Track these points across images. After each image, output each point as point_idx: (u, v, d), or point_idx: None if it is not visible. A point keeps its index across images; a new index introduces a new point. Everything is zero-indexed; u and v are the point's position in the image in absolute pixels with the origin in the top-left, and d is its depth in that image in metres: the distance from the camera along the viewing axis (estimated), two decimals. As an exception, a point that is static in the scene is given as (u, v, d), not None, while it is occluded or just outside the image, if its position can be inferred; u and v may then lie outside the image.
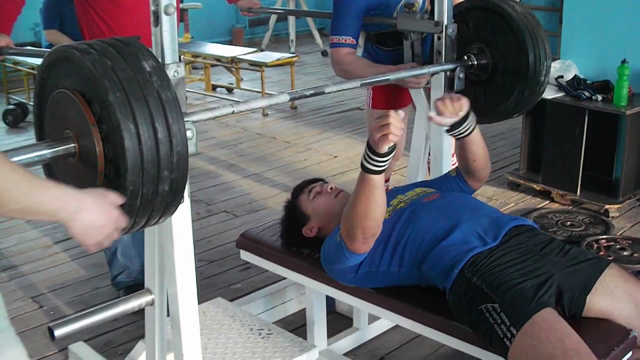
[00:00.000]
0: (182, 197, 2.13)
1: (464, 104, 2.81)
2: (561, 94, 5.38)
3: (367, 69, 3.63)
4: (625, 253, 4.47)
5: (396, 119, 2.41)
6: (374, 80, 3.18)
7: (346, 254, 2.73)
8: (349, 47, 3.69)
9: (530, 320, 2.36)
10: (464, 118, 2.82)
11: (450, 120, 2.82)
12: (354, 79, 3.58)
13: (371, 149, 2.46)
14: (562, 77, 5.47)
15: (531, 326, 2.35)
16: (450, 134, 2.88)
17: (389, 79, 3.17)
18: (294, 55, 9.25)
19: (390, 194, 2.93)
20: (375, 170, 2.48)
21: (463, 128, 2.84)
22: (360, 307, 3.34)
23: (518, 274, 2.52)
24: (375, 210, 2.56)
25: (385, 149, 2.45)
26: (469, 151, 2.94)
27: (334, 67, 3.78)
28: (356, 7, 3.70)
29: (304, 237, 3.15)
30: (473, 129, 2.88)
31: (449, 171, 3.19)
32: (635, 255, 4.46)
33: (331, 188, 3.14)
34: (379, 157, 2.46)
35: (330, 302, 3.55)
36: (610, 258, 4.29)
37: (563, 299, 2.52)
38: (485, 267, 2.57)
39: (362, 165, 2.51)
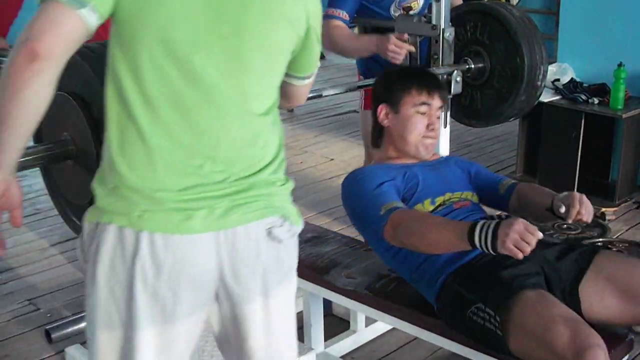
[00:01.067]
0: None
1: (589, 220, 2.59)
2: (558, 97, 5.39)
3: (351, 40, 3.60)
4: (621, 256, 4.46)
5: (535, 242, 2.27)
6: (370, 82, 3.19)
7: (375, 231, 2.66)
8: (340, 20, 3.63)
9: (515, 299, 2.36)
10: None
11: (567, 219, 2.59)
12: (339, 51, 3.56)
13: (494, 242, 2.29)
14: (558, 80, 5.48)
15: (517, 305, 2.35)
16: (549, 210, 2.68)
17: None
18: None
19: (443, 182, 2.87)
20: (476, 247, 2.36)
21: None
22: (357, 310, 3.34)
23: (497, 266, 2.52)
24: (438, 249, 2.53)
25: (502, 253, 2.31)
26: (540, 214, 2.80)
27: (323, 40, 3.75)
28: None
29: (376, 106, 2.97)
30: None
31: (500, 183, 2.99)
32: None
33: (433, 129, 2.90)
34: (493, 251, 2.31)
35: (326, 304, 3.55)
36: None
37: (554, 291, 2.50)
38: (466, 272, 2.57)
39: (472, 234, 2.34)
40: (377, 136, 3.00)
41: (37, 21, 1.62)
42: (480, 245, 2.32)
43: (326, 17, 3.66)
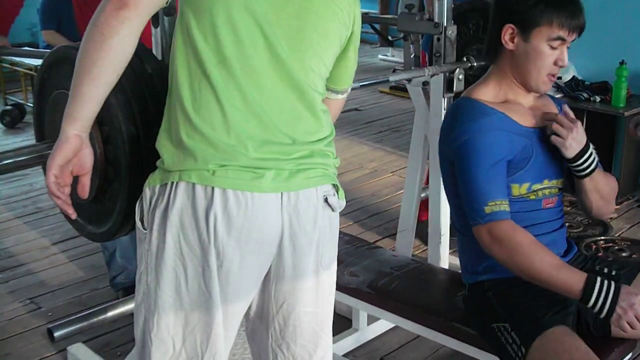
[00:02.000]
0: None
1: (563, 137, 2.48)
2: (559, 95, 5.37)
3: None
4: (624, 254, 4.47)
5: None
6: (374, 81, 3.19)
7: (467, 216, 2.44)
8: None
9: (540, 337, 2.29)
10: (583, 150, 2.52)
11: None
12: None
13: (609, 314, 2.24)
14: (560, 78, 5.47)
15: (540, 342, 2.29)
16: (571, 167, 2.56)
17: (388, 79, 3.18)
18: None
19: (549, 165, 2.57)
20: (586, 302, 2.28)
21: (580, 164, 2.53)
22: (359, 308, 3.34)
23: (532, 291, 2.43)
24: (535, 283, 2.35)
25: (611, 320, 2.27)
26: (585, 197, 2.61)
27: None
28: None
29: (501, 22, 2.52)
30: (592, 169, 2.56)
31: None
32: (634, 256, 4.46)
33: (561, 65, 2.51)
34: (604, 319, 2.30)
35: (329, 303, 3.55)
36: (609, 259, 4.30)
37: (584, 320, 2.46)
38: (505, 286, 2.49)
39: (588, 297, 2.25)
40: (494, 52, 2.59)
41: None
42: (594, 309, 2.26)
43: None
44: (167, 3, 1.83)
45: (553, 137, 2.48)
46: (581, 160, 2.51)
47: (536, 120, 2.57)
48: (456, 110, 2.60)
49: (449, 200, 2.70)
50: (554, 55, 2.48)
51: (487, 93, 2.58)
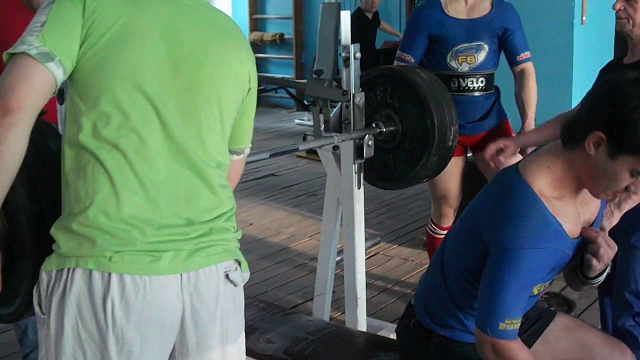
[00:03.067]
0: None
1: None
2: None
3: None
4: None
5: None
6: (283, 150, 3.21)
7: (475, 314, 2.37)
8: (405, 63, 4.11)
9: None
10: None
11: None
12: None
13: None
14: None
15: None
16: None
17: (297, 148, 3.20)
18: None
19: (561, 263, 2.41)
20: None
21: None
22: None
23: (470, 347, 2.45)
24: None
25: None
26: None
27: None
28: (421, 32, 4.09)
29: (591, 124, 2.24)
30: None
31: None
32: (552, 308, 4.52)
33: (626, 191, 2.38)
34: None
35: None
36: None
37: None
38: (450, 346, 2.52)
39: None
40: (572, 142, 2.31)
41: (7, 76, 1.72)
42: None
43: (395, 58, 4.13)
44: (54, 93, 1.79)
45: (594, 262, 2.38)
46: (602, 276, 2.45)
47: (580, 227, 2.39)
48: (515, 198, 2.34)
49: (456, 256, 2.53)
50: (627, 181, 2.26)
51: (548, 180, 2.33)
